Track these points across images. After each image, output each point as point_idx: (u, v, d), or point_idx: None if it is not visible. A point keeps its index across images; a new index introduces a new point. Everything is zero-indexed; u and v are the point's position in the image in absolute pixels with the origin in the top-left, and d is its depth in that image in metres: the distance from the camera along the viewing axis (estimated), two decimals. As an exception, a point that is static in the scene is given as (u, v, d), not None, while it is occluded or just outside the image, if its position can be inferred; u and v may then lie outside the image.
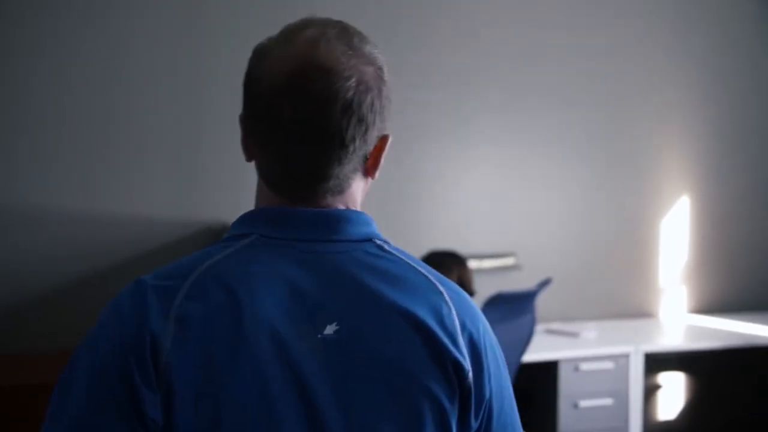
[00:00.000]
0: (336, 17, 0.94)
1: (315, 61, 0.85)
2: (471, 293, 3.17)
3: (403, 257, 0.93)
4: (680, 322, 4.19)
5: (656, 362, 3.97)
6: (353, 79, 0.86)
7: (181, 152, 3.46)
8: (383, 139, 0.93)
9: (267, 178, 0.92)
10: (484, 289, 3.48)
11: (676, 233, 4.32)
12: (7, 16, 3.14)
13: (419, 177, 3.87)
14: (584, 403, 3.45)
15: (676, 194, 4.31)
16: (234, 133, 1.02)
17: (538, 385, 3.58)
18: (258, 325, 0.82)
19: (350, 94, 0.86)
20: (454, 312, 0.89)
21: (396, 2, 3.77)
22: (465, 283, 3.16)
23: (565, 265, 4.09)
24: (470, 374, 0.87)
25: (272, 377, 0.81)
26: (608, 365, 3.55)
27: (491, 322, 2.87)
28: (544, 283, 3.20)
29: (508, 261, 4.01)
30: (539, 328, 3.41)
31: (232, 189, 3.40)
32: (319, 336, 0.84)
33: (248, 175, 1.04)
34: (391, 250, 0.92)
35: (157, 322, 0.81)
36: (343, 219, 0.90)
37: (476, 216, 3.98)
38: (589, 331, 3.81)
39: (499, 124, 4.01)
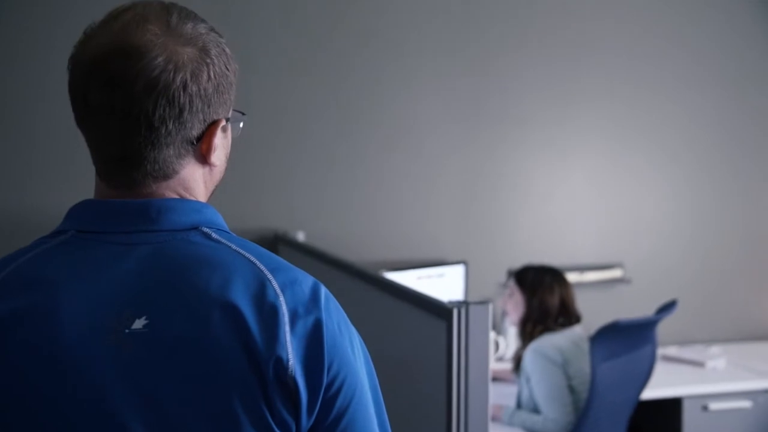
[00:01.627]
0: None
1: (121, 43, 0.84)
2: (576, 317, 2.60)
3: (231, 244, 0.88)
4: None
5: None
6: (160, 59, 0.84)
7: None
8: (214, 124, 0.89)
9: (94, 165, 0.91)
10: (588, 306, 2.93)
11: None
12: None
13: (509, 180, 3.33)
14: (715, 451, 2.84)
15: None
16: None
17: (657, 428, 2.98)
18: (60, 326, 0.82)
19: (155, 73, 0.83)
20: (282, 300, 0.84)
21: (492, 6, 3.23)
22: (568, 304, 2.61)
23: (681, 277, 3.52)
24: (294, 367, 0.82)
25: (74, 379, 0.81)
26: (744, 404, 2.93)
27: (605, 357, 2.31)
28: (668, 307, 2.61)
29: (615, 273, 3.44)
30: (656, 356, 2.80)
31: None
32: (127, 331, 0.81)
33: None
34: (218, 237, 0.88)
35: None
36: (164, 208, 0.87)
37: (576, 222, 3.43)
38: (716, 358, 3.18)
39: (600, 117, 3.42)
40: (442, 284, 3.08)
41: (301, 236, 2.93)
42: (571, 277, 3.29)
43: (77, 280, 0.83)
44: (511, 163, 3.33)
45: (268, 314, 0.82)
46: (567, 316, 2.60)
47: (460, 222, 3.26)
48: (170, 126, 0.85)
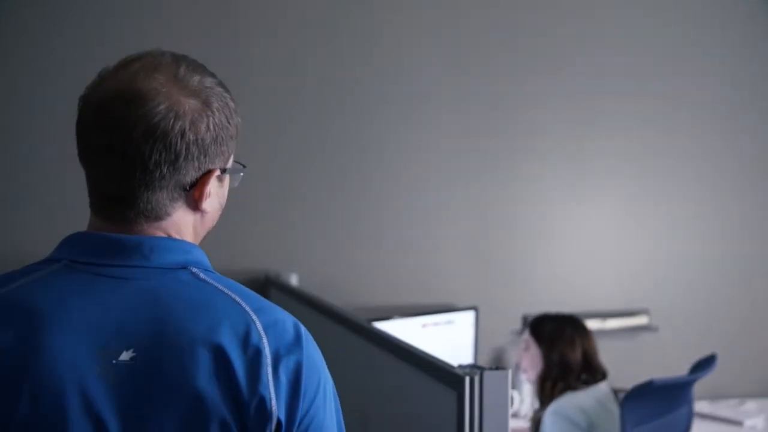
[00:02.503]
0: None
1: (127, 88, 0.88)
2: (601, 373, 2.31)
3: (217, 284, 0.91)
4: None
5: None
6: (162, 106, 0.88)
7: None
8: (209, 173, 0.93)
9: (90, 199, 0.94)
10: (611, 356, 2.64)
11: None
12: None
13: (523, 219, 3.06)
14: None
15: None
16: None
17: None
18: (49, 353, 0.84)
19: (156, 119, 0.88)
20: (265, 341, 0.87)
21: (507, 33, 3.00)
22: (591, 358, 2.33)
23: (712, 324, 3.24)
24: (275, 405, 0.86)
25: (65, 405, 0.83)
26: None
27: (637, 421, 2.00)
28: (707, 363, 2.31)
29: (640, 320, 3.16)
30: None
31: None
32: (114, 362, 0.84)
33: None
34: (205, 277, 0.91)
35: None
36: (156, 246, 0.90)
37: (596, 265, 3.16)
38: (754, 417, 2.88)
39: (622, 154, 3.16)
40: (450, 332, 2.80)
41: (294, 279, 2.66)
42: (592, 324, 3.01)
43: (68, 310, 0.86)
44: (525, 200, 3.06)
45: (252, 355, 0.85)
46: (591, 371, 2.31)
47: (470, 264, 2.99)
48: (165, 170, 0.88)
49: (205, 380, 0.83)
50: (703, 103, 3.23)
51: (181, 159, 0.89)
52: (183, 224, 0.93)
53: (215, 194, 0.94)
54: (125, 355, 0.84)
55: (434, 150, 2.93)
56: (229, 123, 0.93)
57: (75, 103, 0.92)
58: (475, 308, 2.87)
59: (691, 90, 3.22)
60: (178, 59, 0.92)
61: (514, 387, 2.85)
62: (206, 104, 0.90)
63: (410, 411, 1.54)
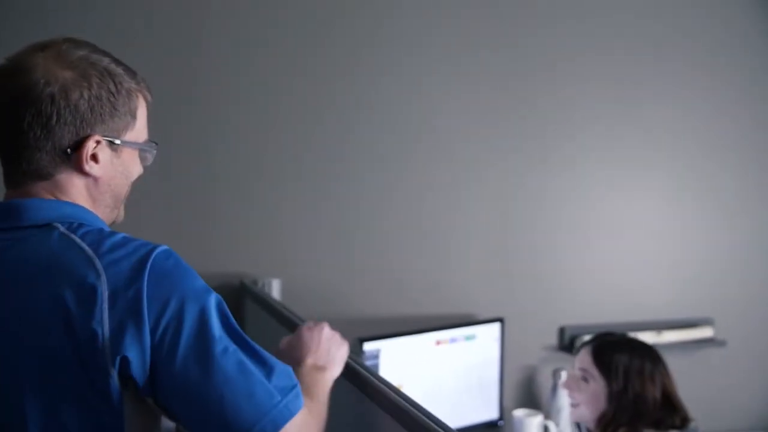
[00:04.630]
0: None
1: (12, 64, 1.02)
2: (685, 417, 1.80)
3: (73, 236, 0.99)
4: None
5: None
6: (36, 75, 0.99)
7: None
8: (86, 138, 1.02)
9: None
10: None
11: None
12: None
13: (560, 214, 2.56)
14: None
15: None
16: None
17: None
18: None
19: (29, 86, 0.99)
20: (103, 279, 0.94)
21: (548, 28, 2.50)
22: (673, 397, 1.81)
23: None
24: (107, 342, 0.92)
25: None
26: None
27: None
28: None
29: (703, 332, 2.68)
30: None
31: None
32: None
33: None
34: (65, 231, 0.99)
35: None
36: (28, 206, 1.02)
37: (649, 268, 2.67)
38: None
39: (677, 143, 2.65)
40: (470, 350, 2.31)
41: (276, 286, 2.20)
42: (645, 337, 2.50)
43: None
44: (558, 189, 2.55)
45: (87, 296, 0.93)
46: (673, 415, 1.79)
47: (494, 266, 2.48)
48: (38, 132, 1.00)
49: (49, 332, 0.93)
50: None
51: (53, 122, 0.99)
52: (70, 186, 1.03)
53: (110, 162, 1.05)
54: None
55: (445, 132, 2.44)
56: (113, 98, 1.03)
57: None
58: (500, 320, 2.37)
59: (746, 78, 2.69)
60: (71, 40, 1.04)
61: (547, 415, 2.34)
62: (83, 76, 1.01)
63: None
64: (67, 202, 1.02)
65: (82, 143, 1.01)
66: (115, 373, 0.92)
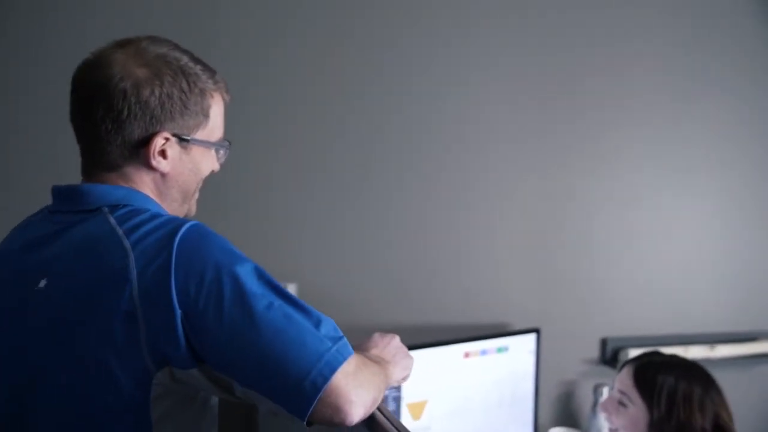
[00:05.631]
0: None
1: (94, 59, 1.07)
2: None
3: (112, 221, 1.02)
4: None
5: None
6: (112, 71, 1.04)
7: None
8: (155, 134, 1.06)
9: None
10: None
11: None
12: None
13: (600, 217, 2.38)
14: None
15: None
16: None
17: None
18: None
19: (104, 82, 1.04)
20: (131, 258, 0.97)
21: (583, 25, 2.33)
22: (724, 426, 1.62)
23: None
24: (141, 316, 0.95)
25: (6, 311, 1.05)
26: None
27: None
28: None
29: (762, 347, 2.49)
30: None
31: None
32: (35, 288, 1.02)
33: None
34: (108, 215, 1.03)
35: None
36: (84, 191, 1.07)
37: (699, 276, 2.47)
38: None
39: (728, 142, 2.44)
40: (503, 362, 2.14)
41: (292, 290, 2.05)
42: (696, 351, 2.31)
43: (16, 244, 1.09)
44: (601, 191, 2.37)
45: (121, 277, 0.96)
46: None
47: (529, 273, 2.31)
48: (109, 126, 1.04)
49: (88, 305, 0.98)
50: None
51: (123, 116, 1.04)
52: (137, 179, 1.08)
53: (179, 159, 1.09)
54: (42, 283, 1.02)
55: (480, 134, 2.27)
56: (184, 96, 1.07)
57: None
58: (536, 330, 2.19)
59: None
60: (152, 38, 1.09)
61: (588, 435, 2.16)
62: (156, 74, 1.05)
63: None
64: (120, 186, 1.06)
65: (150, 139, 1.05)
66: (145, 349, 0.95)
